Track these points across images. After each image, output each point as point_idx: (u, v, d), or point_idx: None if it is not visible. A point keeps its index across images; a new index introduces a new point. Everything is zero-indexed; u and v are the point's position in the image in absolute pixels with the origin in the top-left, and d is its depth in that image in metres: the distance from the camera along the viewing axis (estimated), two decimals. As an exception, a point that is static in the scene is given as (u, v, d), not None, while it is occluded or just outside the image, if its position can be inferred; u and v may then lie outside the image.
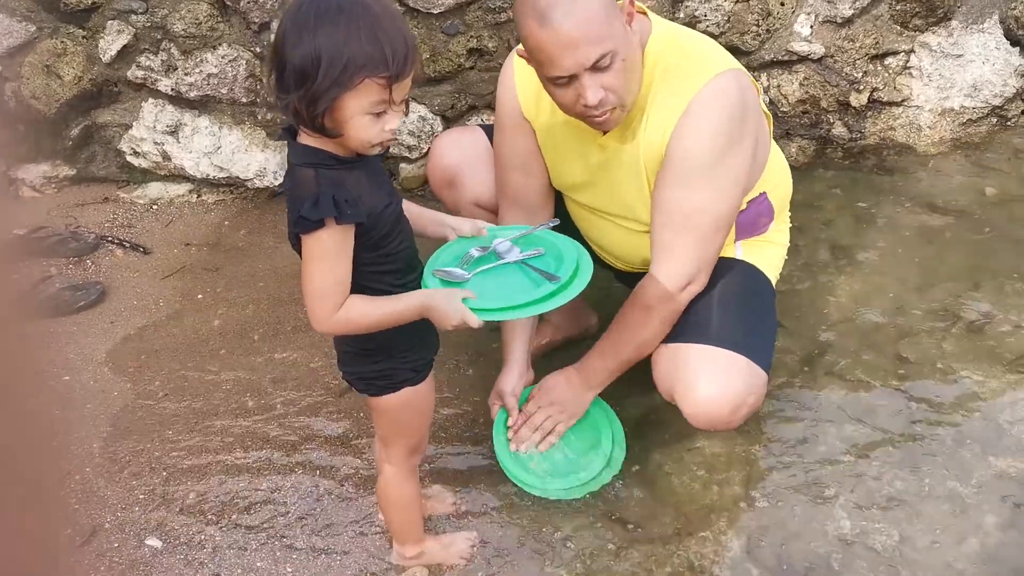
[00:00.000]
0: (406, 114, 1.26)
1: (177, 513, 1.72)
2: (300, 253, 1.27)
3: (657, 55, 1.56)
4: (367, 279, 1.29)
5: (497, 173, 1.80)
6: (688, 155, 1.53)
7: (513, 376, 1.75)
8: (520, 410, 1.72)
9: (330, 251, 1.23)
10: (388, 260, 1.31)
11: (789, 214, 1.88)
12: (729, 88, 1.53)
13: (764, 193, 1.71)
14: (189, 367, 2.14)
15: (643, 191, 1.63)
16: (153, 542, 1.67)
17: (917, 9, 2.68)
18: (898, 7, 2.68)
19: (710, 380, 1.56)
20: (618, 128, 1.59)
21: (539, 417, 1.69)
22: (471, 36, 2.63)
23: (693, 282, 1.61)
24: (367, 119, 1.19)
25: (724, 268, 1.67)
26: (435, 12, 2.58)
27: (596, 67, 1.43)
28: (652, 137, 1.56)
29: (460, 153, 1.86)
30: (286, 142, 1.29)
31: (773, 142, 1.75)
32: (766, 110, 1.68)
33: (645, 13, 1.60)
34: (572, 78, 1.45)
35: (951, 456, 1.69)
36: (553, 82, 1.48)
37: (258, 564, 1.61)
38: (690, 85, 1.52)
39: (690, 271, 1.59)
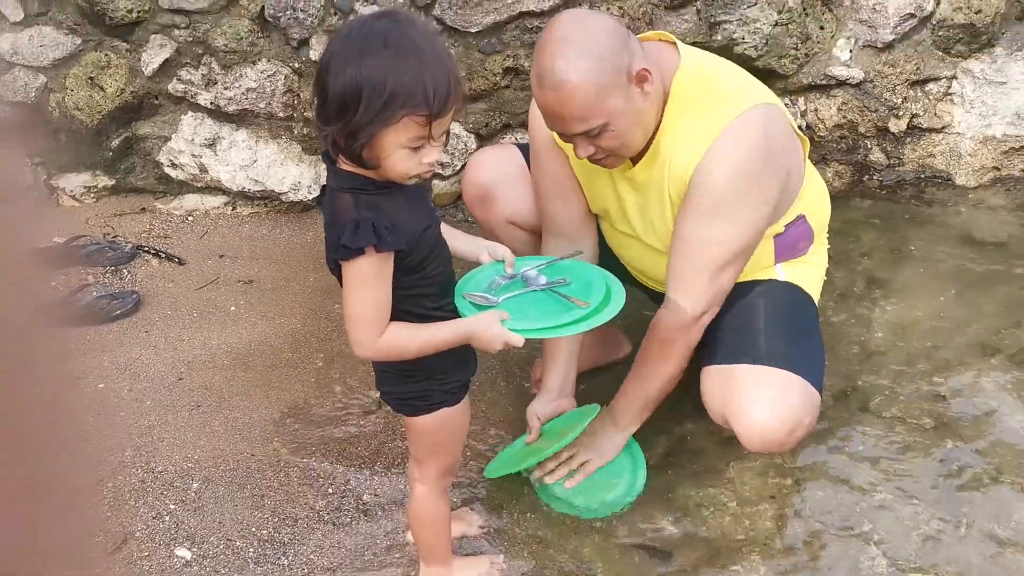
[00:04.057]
0: (446, 145, 1.26)
1: (207, 524, 1.74)
2: (339, 278, 1.28)
3: (685, 89, 1.56)
4: (403, 302, 1.29)
5: (538, 204, 1.82)
6: (709, 188, 1.54)
7: (543, 401, 1.78)
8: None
9: (370, 278, 1.24)
10: (425, 283, 1.32)
11: (827, 237, 1.87)
12: (756, 124, 1.53)
13: (803, 216, 1.70)
14: (223, 378, 2.16)
15: (666, 217, 1.64)
16: (183, 552, 1.68)
17: (960, 35, 2.64)
18: (941, 33, 2.65)
19: (765, 401, 1.53)
20: (645, 161, 1.62)
21: (565, 454, 1.72)
22: (507, 55, 2.64)
23: (707, 312, 1.61)
24: (405, 152, 1.20)
25: (769, 288, 1.67)
26: (472, 31, 2.59)
27: (585, 134, 1.49)
28: (677, 171, 1.58)
29: (495, 171, 1.87)
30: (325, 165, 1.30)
31: (811, 165, 1.74)
32: (801, 135, 1.67)
33: (674, 44, 1.60)
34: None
35: (990, 496, 1.65)
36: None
37: (286, 581, 1.62)
38: (717, 120, 1.53)
39: (704, 302, 1.59)
